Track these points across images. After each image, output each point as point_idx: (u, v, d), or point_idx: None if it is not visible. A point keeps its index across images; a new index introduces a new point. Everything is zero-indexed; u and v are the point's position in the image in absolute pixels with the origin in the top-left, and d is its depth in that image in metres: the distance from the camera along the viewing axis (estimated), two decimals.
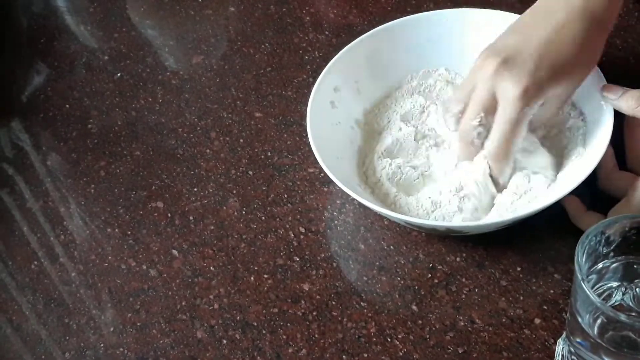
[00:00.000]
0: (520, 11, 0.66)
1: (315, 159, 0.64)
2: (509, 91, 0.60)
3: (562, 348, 0.56)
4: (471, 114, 0.63)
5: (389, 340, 0.61)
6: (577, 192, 0.60)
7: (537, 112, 0.62)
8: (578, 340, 0.52)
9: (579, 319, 0.50)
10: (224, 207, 0.71)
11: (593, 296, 0.47)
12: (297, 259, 0.66)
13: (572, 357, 0.54)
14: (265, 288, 0.65)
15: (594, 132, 0.65)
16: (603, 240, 0.50)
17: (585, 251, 0.49)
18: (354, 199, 0.64)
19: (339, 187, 0.63)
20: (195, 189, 0.72)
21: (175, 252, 0.68)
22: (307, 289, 0.64)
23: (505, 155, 0.63)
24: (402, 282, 0.64)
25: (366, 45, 0.72)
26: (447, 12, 0.73)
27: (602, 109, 0.64)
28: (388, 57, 0.73)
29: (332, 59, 0.71)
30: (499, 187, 0.64)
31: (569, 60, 0.61)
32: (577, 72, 0.62)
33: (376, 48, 0.73)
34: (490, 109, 0.62)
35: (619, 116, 0.63)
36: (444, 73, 0.73)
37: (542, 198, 0.63)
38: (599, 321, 0.49)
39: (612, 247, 0.51)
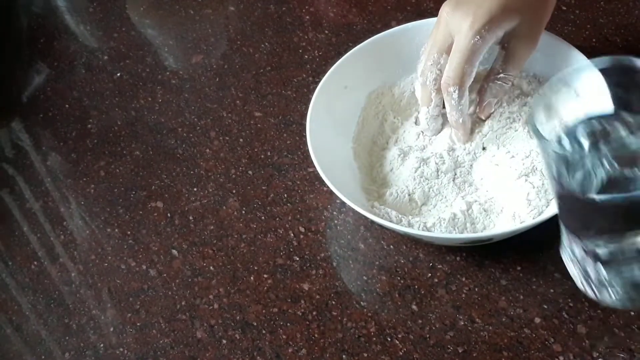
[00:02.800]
0: None
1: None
2: (460, 24, 0.64)
3: (572, 253, 0.53)
4: (428, 55, 0.67)
5: (389, 339, 0.61)
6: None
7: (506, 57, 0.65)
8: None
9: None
10: (224, 207, 0.71)
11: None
12: (297, 259, 0.66)
13: (584, 256, 0.52)
14: (265, 288, 0.65)
15: None
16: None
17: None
18: None
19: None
20: (195, 189, 0.72)
21: (175, 252, 0.68)
22: (306, 289, 0.64)
23: (454, 80, 0.65)
24: (402, 281, 0.64)
25: (372, 48, 0.72)
26: None
27: (602, 104, 0.64)
28: (393, 59, 0.73)
29: (331, 58, 0.72)
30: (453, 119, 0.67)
31: None
32: (529, 10, 0.65)
33: (382, 51, 0.73)
34: (447, 49, 0.66)
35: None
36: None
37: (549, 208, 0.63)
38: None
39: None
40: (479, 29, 0.63)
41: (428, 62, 0.67)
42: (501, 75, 0.67)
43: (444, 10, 0.66)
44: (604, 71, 0.49)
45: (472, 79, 0.66)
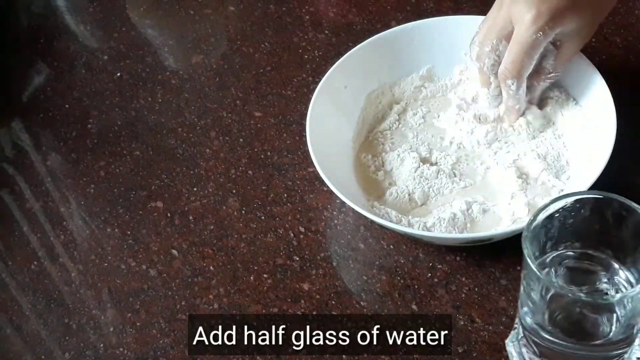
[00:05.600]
0: None
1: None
2: (523, 14, 0.62)
3: (515, 345, 0.56)
4: (484, 39, 0.67)
5: (389, 339, 0.61)
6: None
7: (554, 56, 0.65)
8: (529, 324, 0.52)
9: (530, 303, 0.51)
10: (224, 207, 0.71)
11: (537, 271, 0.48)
12: (297, 259, 0.66)
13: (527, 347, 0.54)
14: (265, 288, 0.65)
15: (596, 130, 0.65)
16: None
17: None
18: None
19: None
20: (194, 189, 0.72)
21: (174, 251, 0.68)
22: (306, 289, 0.64)
23: (512, 73, 0.65)
24: (401, 281, 0.64)
25: (372, 48, 0.72)
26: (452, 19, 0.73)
27: (602, 105, 0.64)
28: (393, 59, 0.73)
29: (331, 58, 0.72)
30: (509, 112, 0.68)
31: None
32: (591, 9, 0.64)
33: (382, 51, 0.73)
34: (506, 36, 0.65)
35: (621, 116, 0.63)
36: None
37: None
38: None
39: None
40: (542, 26, 0.62)
41: (485, 47, 0.66)
42: (552, 74, 0.67)
43: None
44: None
45: (530, 71, 0.65)
